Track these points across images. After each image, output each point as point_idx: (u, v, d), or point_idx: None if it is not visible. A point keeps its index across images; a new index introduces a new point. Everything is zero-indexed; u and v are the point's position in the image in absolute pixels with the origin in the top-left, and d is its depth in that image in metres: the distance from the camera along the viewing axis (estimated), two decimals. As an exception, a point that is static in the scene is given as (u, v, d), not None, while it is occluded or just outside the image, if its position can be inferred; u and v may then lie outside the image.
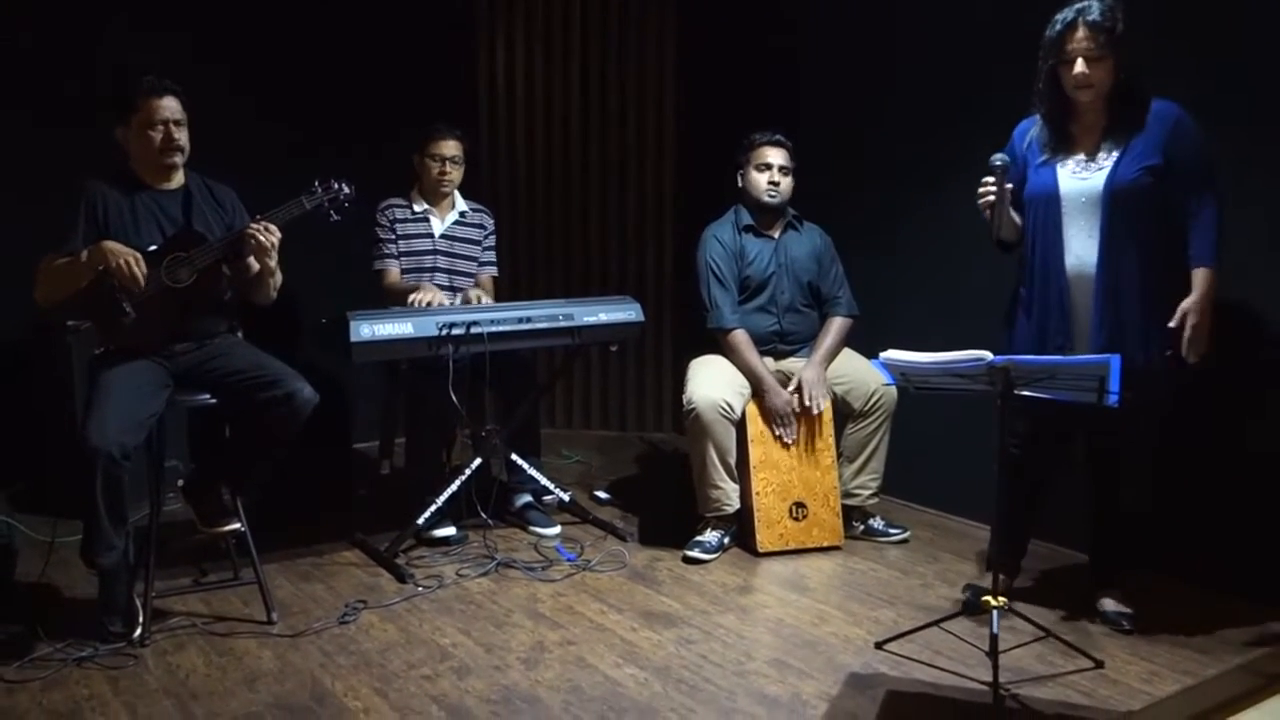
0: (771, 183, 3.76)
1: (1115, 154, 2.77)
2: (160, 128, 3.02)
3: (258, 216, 3.02)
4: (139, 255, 2.87)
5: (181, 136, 3.07)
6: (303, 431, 3.05)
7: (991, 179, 2.79)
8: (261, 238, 2.97)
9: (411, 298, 3.69)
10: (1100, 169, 2.79)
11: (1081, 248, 2.81)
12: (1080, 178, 2.81)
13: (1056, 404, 2.59)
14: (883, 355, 2.57)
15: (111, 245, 2.87)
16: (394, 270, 3.96)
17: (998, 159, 2.80)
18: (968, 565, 3.54)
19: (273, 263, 3.07)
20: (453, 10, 5.25)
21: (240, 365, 3.03)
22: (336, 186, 3.11)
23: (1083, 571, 3.24)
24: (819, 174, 4.06)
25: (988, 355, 2.47)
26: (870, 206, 4.20)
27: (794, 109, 4.45)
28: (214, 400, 3.05)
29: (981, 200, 2.83)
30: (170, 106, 3.04)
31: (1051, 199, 2.83)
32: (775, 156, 3.79)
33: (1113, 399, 2.40)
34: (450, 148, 3.95)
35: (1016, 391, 2.54)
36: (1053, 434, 2.95)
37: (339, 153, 4.22)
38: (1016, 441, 2.89)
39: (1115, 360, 2.34)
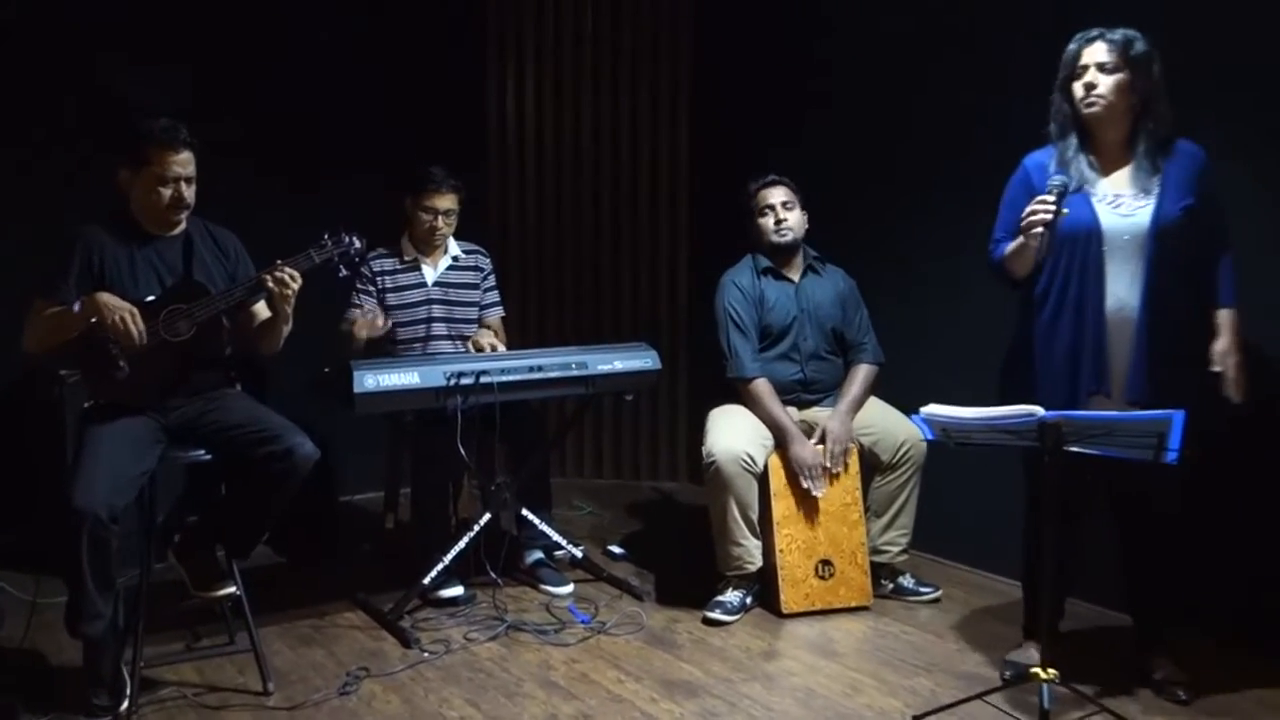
0: (778, 221, 3.63)
1: (1154, 190, 2.63)
2: (171, 185, 2.86)
3: (279, 262, 2.87)
4: (135, 311, 2.71)
5: (190, 194, 2.92)
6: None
7: (1050, 198, 2.61)
8: (281, 286, 2.82)
9: (356, 330, 3.59)
10: (1143, 205, 2.63)
11: (1123, 289, 2.64)
12: (1122, 214, 2.65)
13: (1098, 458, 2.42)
14: (923, 410, 2.40)
15: (107, 299, 2.71)
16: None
17: (1057, 179, 2.63)
18: (1004, 627, 3.33)
19: (289, 310, 2.92)
20: (460, 47, 5.14)
21: (238, 419, 2.87)
22: (347, 240, 2.96)
23: (1129, 634, 3.04)
24: (839, 218, 3.90)
25: (1038, 410, 2.30)
26: (894, 248, 4.05)
27: (814, 147, 4.31)
28: (209, 456, 2.89)
29: (1033, 220, 2.61)
30: (185, 162, 2.87)
31: (1092, 235, 2.66)
32: (776, 196, 3.66)
33: (1171, 456, 2.24)
34: (446, 201, 3.77)
35: (1065, 448, 2.37)
36: (1087, 486, 2.76)
37: (341, 194, 4.14)
38: (1058, 498, 2.71)
39: (1179, 417, 2.17)
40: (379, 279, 3.81)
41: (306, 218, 3.03)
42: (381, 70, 4.85)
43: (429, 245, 3.85)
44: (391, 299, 3.82)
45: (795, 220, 3.66)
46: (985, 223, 2.91)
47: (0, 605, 3.18)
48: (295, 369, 3.33)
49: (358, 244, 2.96)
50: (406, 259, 3.84)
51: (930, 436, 2.50)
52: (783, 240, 3.63)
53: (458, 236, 3.95)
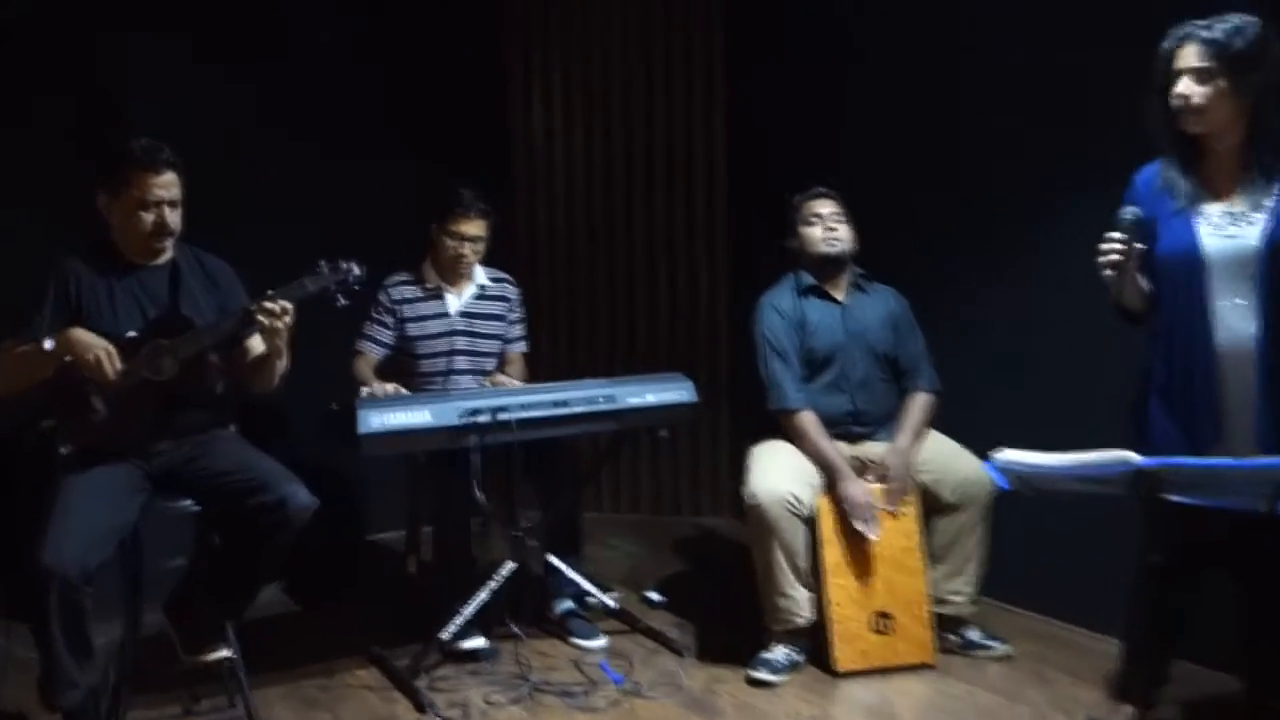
0: (829, 229, 3.33)
1: (1266, 205, 2.27)
2: (154, 210, 2.62)
3: (269, 293, 2.62)
4: (111, 349, 2.47)
5: (175, 219, 2.67)
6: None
7: (1119, 235, 2.29)
8: (272, 318, 2.57)
9: (364, 391, 3.29)
10: (1251, 224, 2.27)
11: (1235, 320, 2.29)
12: (1227, 235, 2.29)
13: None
14: (996, 456, 2.07)
15: (79, 335, 2.47)
16: (370, 356, 3.56)
17: (1128, 213, 2.30)
18: (1086, 690, 2.98)
19: (282, 345, 2.67)
20: (484, 62, 4.86)
21: (226, 465, 2.61)
22: (345, 266, 2.70)
23: (1237, 702, 2.67)
24: (887, 234, 3.56)
25: (1133, 457, 1.96)
26: (951, 269, 3.71)
27: (859, 159, 3.98)
28: (196, 506, 2.62)
29: (1104, 261, 2.32)
30: (168, 185, 2.63)
31: (1193, 261, 2.30)
32: (824, 207, 3.36)
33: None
34: (474, 228, 3.51)
35: (1164, 496, 2.03)
36: (1205, 538, 2.40)
37: (349, 219, 3.91)
38: (1160, 549, 2.36)
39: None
40: (398, 307, 3.55)
41: (314, 243, 2.78)
42: (388, 77, 4.53)
43: (454, 273, 3.58)
44: (412, 329, 3.56)
45: (845, 234, 3.36)
46: (1056, 239, 2.58)
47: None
48: (310, 404, 3.08)
49: (357, 271, 2.70)
50: (429, 286, 3.58)
51: (1005, 487, 2.16)
52: (833, 251, 3.32)
53: (484, 262, 3.69)
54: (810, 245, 3.35)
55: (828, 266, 3.36)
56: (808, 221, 3.36)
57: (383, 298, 3.57)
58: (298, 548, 3.50)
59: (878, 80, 3.99)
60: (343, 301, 2.69)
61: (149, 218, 2.61)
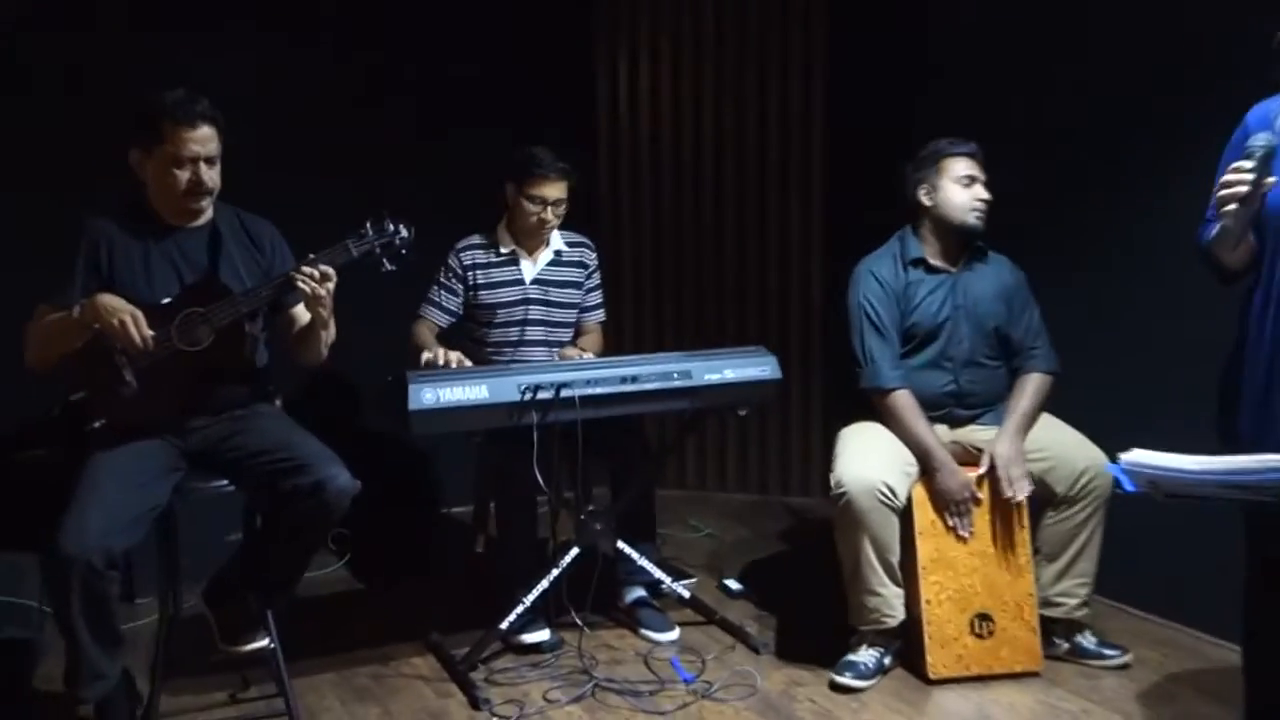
0: (980, 200, 2.95)
1: None
2: (189, 167, 2.43)
3: (310, 257, 2.43)
4: (138, 313, 2.29)
5: (213, 176, 2.48)
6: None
7: (1249, 165, 1.93)
8: (313, 284, 2.38)
9: (425, 357, 3.07)
10: None
11: None
12: None
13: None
14: (1126, 458, 1.74)
15: (107, 300, 2.30)
16: (432, 321, 3.37)
17: (1261, 139, 1.94)
18: (1213, 704, 2.64)
19: (326, 314, 2.48)
20: (569, 19, 4.60)
21: (264, 444, 2.43)
22: (391, 228, 2.49)
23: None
24: (996, 199, 3.20)
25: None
26: (1066, 232, 3.34)
27: (967, 115, 3.60)
28: (231, 486, 2.45)
29: (1225, 195, 1.96)
30: (204, 140, 2.43)
31: None
32: (976, 169, 2.98)
33: None
34: (556, 190, 3.26)
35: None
36: None
37: (421, 181, 3.81)
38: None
39: None
40: (470, 273, 3.35)
41: (393, 205, 2.60)
42: (475, 42, 4.35)
43: (534, 238, 3.35)
44: (484, 295, 3.35)
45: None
46: (1193, 196, 2.22)
47: (45, 640, 2.84)
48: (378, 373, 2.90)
49: (404, 233, 2.49)
50: (503, 251, 3.37)
51: (1132, 489, 1.83)
52: (979, 225, 2.97)
53: (564, 226, 3.46)
54: (952, 211, 2.96)
55: (955, 237, 3.00)
56: (957, 180, 2.96)
57: (453, 261, 3.37)
58: (365, 524, 3.41)
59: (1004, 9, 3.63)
60: (389, 266, 2.48)
61: (184, 175, 2.43)
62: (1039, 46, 3.46)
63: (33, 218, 3.21)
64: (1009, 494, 2.80)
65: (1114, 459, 1.78)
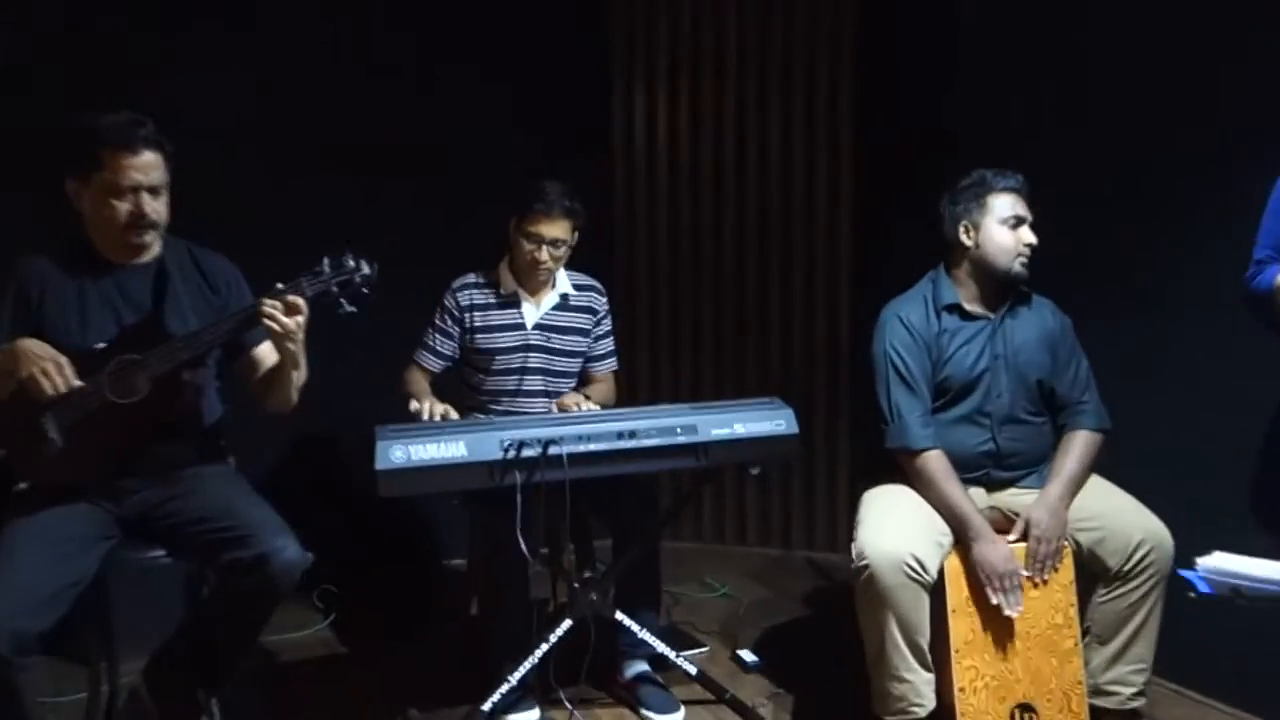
0: (1026, 244, 2.66)
1: None
2: (129, 197, 2.20)
3: (278, 287, 2.18)
4: (62, 360, 2.05)
5: (157, 208, 2.25)
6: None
7: None
8: (280, 317, 2.13)
9: (412, 407, 2.82)
10: None
11: None
12: None
13: None
14: (1205, 563, 1.44)
15: (27, 345, 2.07)
16: (426, 367, 3.13)
17: None
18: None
19: (297, 350, 2.22)
20: (583, 49, 4.33)
21: (205, 511, 2.17)
22: (351, 264, 2.22)
23: None
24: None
25: None
26: (1118, 276, 3.03)
27: (1010, 143, 3.30)
28: (169, 557, 2.19)
29: None
30: (146, 167, 2.20)
31: None
32: (1025, 208, 2.68)
33: None
34: (556, 229, 2.99)
35: None
36: None
37: (425, 216, 3.68)
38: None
39: None
40: (466, 315, 3.10)
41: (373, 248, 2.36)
42: (486, 72, 4.11)
43: (531, 279, 3.10)
44: (480, 340, 3.09)
45: None
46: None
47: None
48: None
49: (366, 270, 2.22)
50: (504, 292, 3.11)
51: (1208, 592, 1.53)
52: (1024, 273, 2.68)
53: (573, 266, 3.20)
54: (996, 255, 2.66)
55: (996, 283, 2.71)
56: (1003, 221, 2.67)
57: (449, 302, 3.12)
58: (354, 579, 3.12)
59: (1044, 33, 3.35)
60: (348, 308, 2.21)
61: (124, 206, 2.19)
62: (1077, 75, 3.19)
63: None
64: (1035, 575, 2.51)
65: (1189, 563, 1.47)
